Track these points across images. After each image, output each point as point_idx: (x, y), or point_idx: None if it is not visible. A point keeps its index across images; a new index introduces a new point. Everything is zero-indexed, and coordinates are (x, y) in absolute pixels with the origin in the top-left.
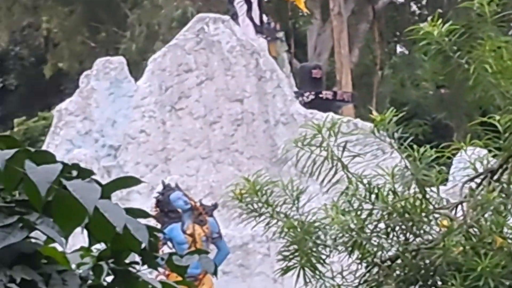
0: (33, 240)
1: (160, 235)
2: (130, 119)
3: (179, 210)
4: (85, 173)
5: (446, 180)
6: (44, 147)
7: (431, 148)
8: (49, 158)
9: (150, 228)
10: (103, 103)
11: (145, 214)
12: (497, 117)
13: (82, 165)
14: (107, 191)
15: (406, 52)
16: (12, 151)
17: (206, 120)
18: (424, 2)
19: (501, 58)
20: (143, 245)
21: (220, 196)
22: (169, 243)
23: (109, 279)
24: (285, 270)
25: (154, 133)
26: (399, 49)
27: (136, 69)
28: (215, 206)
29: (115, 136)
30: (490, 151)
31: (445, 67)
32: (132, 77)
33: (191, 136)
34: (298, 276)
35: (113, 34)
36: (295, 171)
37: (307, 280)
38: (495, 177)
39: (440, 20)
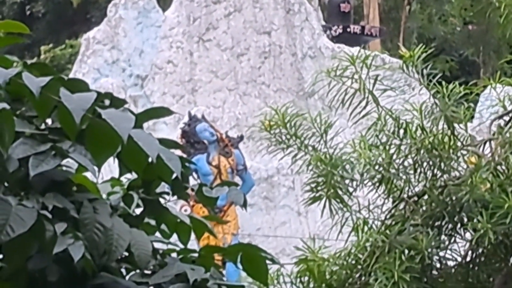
0: (64, 168)
1: (191, 166)
2: (157, 49)
3: (205, 141)
4: (117, 102)
5: (473, 117)
6: (71, 75)
7: (459, 84)
8: (82, 86)
9: (181, 159)
10: (131, 33)
11: (175, 145)
12: None
13: None
14: (139, 120)
15: None
16: (47, 78)
17: (234, 52)
18: None
19: None
20: (173, 176)
21: (247, 128)
22: (194, 174)
23: (138, 211)
24: (312, 200)
25: (181, 63)
26: None
27: (164, 0)
28: (241, 138)
29: (142, 66)
30: None
31: (475, 4)
32: (159, 7)
33: (218, 67)
34: (324, 207)
35: None
36: (321, 104)
37: (334, 213)
38: None
39: None
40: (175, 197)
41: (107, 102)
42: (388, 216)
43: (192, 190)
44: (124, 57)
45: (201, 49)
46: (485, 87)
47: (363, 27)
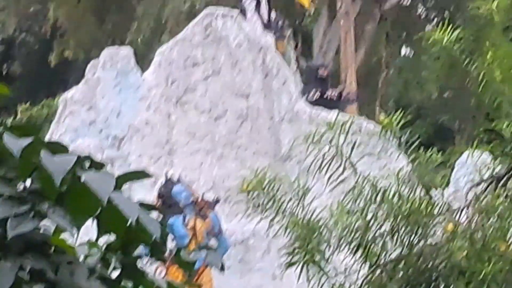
0: (42, 229)
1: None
2: (135, 111)
3: (181, 203)
4: (97, 165)
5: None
6: (48, 136)
7: (438, 151)
8: (62, 148)
9: (160, 222)
10: (109, 93)
11: (153, 208)
12: (505, 124)
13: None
14: (119, 183)
15: (411, 53)
16: (28, 140)
17: (211, 114)
18: (430, 5)
19: (507, 66)
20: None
21: (224, 191)
22: (170, 236)
23: (115, 274)
24: (288, 265)
25: (159, 125)
26: (403, 50)
27: (142, 61)
28: (217, 200)
29: (119, 127)
30: (495, 157)
31: (453, 72)
32: (138, 68)
33: (195, 129)
34: (300, 272)
35: (120, 25)
36: (298, 169)
37: (310, 277)
38: (501, 183)
39: (447, 24)
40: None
41: (86, 164)
42: (364, 282)
43: (169, 253)
44: (101, 118)
45: (179, 111)
46: (461, 154)
47: (340, 92)
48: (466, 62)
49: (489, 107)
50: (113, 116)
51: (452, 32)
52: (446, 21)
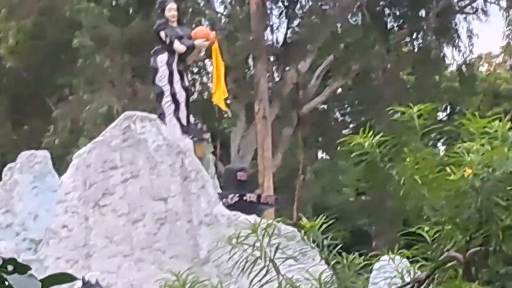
0: None
1: None
2: (53, 214)
3: None
4: (22, 268)
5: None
6: None
7: (359, 255)
8: None
9: None
10: (26, 197)
11: None
12: (426, 228)
13: None
14: (44, 286)
15: (328, 157)
16: None
17: (130, 217)
18: (347, 109)
19: (429, 170)
20: None
21: None
22: None
23: None
24: None
25: (76, 228)
26: (320, 154)
27: (59, 164)
28: None
29: (36, 230)
30: (416, 261)
31: (374, 177)
32: (56, 171)
33: (113, 233)
34: None
35: (37, 128)
36: (216, 272)
37: None
38: (422, 287)
39: (366, 129)
40: None
41: (10, 267)
42: None
43: None
44: (18, 221)
45: (97, 214)
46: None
47: (259, 196)
48: (387, 166)
49: (410, 211)
50: (30, 219)
51: (374, 137)
52: (368, 125)
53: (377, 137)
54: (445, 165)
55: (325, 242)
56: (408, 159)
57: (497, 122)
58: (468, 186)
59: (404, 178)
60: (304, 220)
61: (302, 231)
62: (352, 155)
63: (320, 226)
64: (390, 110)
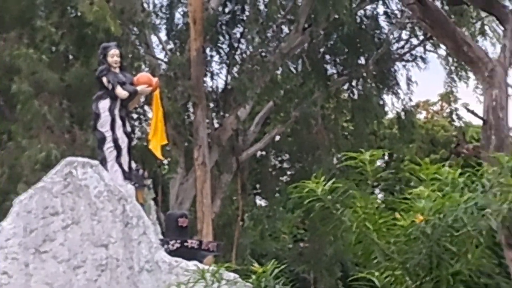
0: None
1: None
2: None
3: None
4: None
5: None
6: None
7: None
8: None
9: None
10: None
11: None
12: (376, 273)
13: None
14: None
15: (266, 204)
16: None
17: (70, 264)
18: (285, 157)
19: (377, 216)
20: None
21: None
22: None
23: None
24: None
25: (16, 275)
26: (258, 201)
27: None
28: None
29: None
30: None
31: (325, 222)
32: None
33: (53, 279)
34: None
35: None
36: None
37: None
38: None
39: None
40: None
41: None
42: None
43: None
44: None
45: (37, 260)
46: None
47: (200, 242)
48: (339, 212)
49: (360, 256)
50: None
51: (326, 183)
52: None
53: (329, 183)
54: (391, 210)
55: (277, 287)
56: (358, 205)
57: (447, 168)
58: (419, 232)
59: (355, 224)
60: (256, 266)
61: (254, 276)
62: (305, 202)
63: (272, 272)
64: (329, 157)
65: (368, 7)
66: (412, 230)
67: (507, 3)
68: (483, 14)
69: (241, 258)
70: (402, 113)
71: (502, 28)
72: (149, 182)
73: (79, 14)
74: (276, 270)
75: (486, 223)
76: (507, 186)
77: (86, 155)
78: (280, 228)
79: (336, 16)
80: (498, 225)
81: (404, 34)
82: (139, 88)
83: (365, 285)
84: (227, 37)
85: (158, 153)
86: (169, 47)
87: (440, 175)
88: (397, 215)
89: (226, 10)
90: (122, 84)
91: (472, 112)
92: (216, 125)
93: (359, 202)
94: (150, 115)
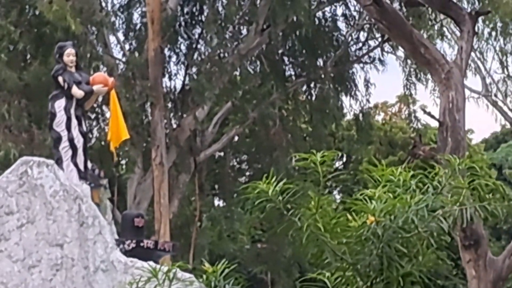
0: None
1: None
2: None
3: None
4: None
5: None
6: None
7: None
8: None
9: None
10: None
11: None
12: (327, 274)
13: None
14: None
15: (224, 204)
16: None
17: (25, 263)
18: (243, 157)
19: (330, 217)
20: None
21: None
22: None
23: None
24: None
25: None
26: (216, 202)
27: None
28: None
29: None
30: None
31: (276, 223)
32: None
33: (8, 279)
34: None
35: None
36: None
37: None
38: None
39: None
40: None
41: None
42: None
43: None
44: None
45: None
46: None
47: (156, 242)
48: (290, 212)
49: (312, 257)
50: None
51: (277, 184)
52: (271, 172)
53: (280, 184)
54: (347, 211)
55: (227, 286)
56: (310, 206)
57: (399, 170)
58: (370, 233)
59: (306, 225)
60: (206, 265)
61: (204, 276)
62: (256, 202)
63: (222, 272)
64: (287, 158)
65: (327, 8)
66: (363, 231)
67: (464, 5)
68: (441, 16)
69: (199, 259)
70: (360, 115)
71: (459, 30)
72: (105, 182)
73: (37, 13)
74: (227, 270)
75: (437, 224)
76: (458, 188)
77: (44, 154)
78: (238, 229)
79: (295, 18)
80: (451, 226)
81: (362, 36)
82: (95, 87)
83: (317, 286)
84: (185, 37)
85: (115, 152)
86: (127, 47)
87: (394, 176)
88: (350, 217)
89: (185, 10)
90: (78, 83)
91: (429, 114)
92: (174, 126)
93: (312, 202)
94: (108, 115)
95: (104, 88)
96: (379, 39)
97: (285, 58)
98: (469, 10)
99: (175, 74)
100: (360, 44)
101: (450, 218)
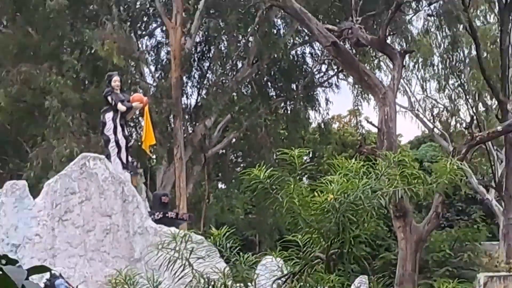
0: None
1: None
2: (28, 225)
3: None
4: (11, 262)
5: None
6: None
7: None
8: None
9: None
10: (9, 213)
11: None
12: (299, 236)
13: None
14: (29, 274)
15: (225, 187)
16: None
17: (84, 228)
18: (239, 154)
19: (302, 195)
20: None
21: (93, 284)
22: None
23: None
24: None
25: (45, 236)
26: (220, 185)
27: (34, 190)
28: None
29: (16, 238)
30: (291, 259)
31: (264, 199)
32: (31, 195)
33: (72, 240)
34: None
35: (17, 165)
36: (146, 268)
37: None
38: (296, 277)
39: (261, 165)
40: None
41: (3, 261)
42: None
43: None
44: (3, 231)
45: (61, 226)
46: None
47: (177, 213)
48: (274, 191)
49: (289, 224)
50: (12, 229)
51: (266, 171)
52: (263, 163)
53: (268, 171)
54: (314, 191)
55: (228, 245)
56: (289, 187)
57: (352, 162)
58: (330, 206)
59: (286, 200)
60: (213, 230)
61: (212, 237)
62: (251, 183)
63: (224, 234)
64: (270, 154)
65: (299, 48)
66: (325, 205)
67: (396, 46)
68: (379, 54)
69: (208, 226)
70: (322, 124)
71: (392, 63)
72: (141, 171)
73: (93, 51)
74: (227, 233)
75: (378, 201)
76: (393, 175)
77: (98, 152)
78: (235, 204)
79: (275, 55)
80: (387, 202)
81: (324, 68)
82: (133, 104)
83: (292, 245)
84: (198, 69)
85: (147, 151)
86: (156, 75)
87: (348, 166)
88: (316, 195)
89: (198, 49)
90: (122, 101)
91: (371, 123)
92: (190, 131)
93: (290, 185)
94: (142, 123)
95: (140, 104)
96: (335, 70)
97: (269, 84)
98: (399, 49)
99: (191, 95)
100: (322, 73)
101: (386, 197)
